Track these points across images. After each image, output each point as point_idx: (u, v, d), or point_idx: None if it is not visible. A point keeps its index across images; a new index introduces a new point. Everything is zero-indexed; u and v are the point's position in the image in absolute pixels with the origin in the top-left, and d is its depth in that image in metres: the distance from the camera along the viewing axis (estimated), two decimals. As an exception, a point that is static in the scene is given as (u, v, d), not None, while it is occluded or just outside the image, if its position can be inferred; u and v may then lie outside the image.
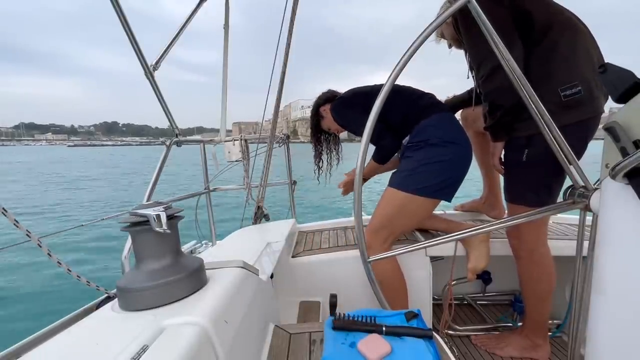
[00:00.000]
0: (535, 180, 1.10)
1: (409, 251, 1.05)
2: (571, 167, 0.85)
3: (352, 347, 0.67)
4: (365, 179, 1.51)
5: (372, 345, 0.66)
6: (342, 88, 1.59)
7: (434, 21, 0.81)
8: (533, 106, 0.82)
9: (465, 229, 1.03)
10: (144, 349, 0.45)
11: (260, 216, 1.70)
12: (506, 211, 1.34)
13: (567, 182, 0.93)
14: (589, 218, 0.84)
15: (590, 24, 1.05)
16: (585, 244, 0.82)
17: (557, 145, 0.83)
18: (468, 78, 1.31)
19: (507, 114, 1.06)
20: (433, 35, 1.38)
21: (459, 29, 1.12)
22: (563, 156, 0.84)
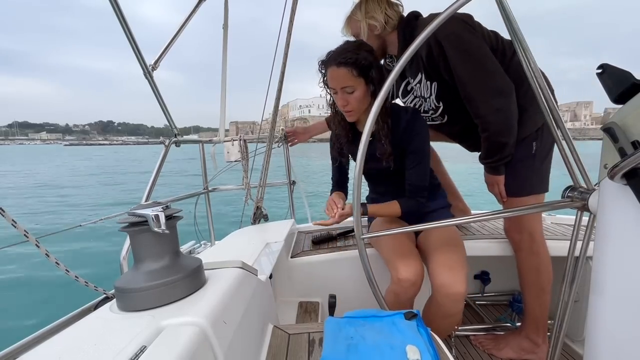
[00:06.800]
0: (544, 169, 1.16)
1: (400, 232, 1.03)
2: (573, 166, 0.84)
3: (352, 348, 0.67)
4: None
5: None
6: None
7: (435, 20, 0.79)
8: (544, 99, 0.80)
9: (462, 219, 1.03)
10: (142, 350, 0.45)
11: (259, 216, 1.70)
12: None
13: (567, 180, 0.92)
14: (585, 218, 0.84)
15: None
16: (579, 244, 0.81)
17: (561, 143, 0.82)
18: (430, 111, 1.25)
19: (509, 152, 1.08)
20: None
21: (435, 59, 1.07)
22: (568, 153, 0.82)
